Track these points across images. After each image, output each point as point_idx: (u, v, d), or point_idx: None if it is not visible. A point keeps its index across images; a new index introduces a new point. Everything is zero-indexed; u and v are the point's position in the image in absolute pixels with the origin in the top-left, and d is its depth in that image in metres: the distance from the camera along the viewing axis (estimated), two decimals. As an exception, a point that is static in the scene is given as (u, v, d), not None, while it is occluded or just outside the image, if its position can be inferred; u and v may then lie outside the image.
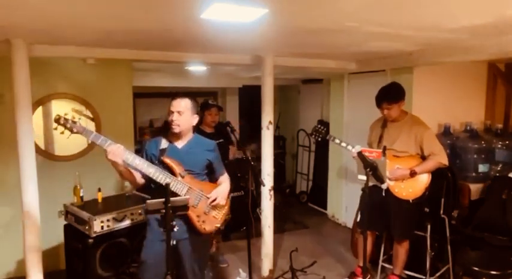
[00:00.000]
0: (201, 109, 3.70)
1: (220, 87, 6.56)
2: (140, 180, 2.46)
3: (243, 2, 1.81)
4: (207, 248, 2.76)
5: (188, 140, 2.52)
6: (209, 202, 2.49)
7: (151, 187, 2.47)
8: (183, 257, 2.46)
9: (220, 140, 3.68)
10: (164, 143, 2.48)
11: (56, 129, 2.26)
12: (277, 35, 2.74)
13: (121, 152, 2.25)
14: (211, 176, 2.67)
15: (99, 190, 3.51)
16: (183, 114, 2.41)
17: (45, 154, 3.69)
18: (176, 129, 2.42)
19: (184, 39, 2.89)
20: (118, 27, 2.41)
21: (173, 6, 1.90)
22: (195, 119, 2.49)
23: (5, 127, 3.27)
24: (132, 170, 2.40)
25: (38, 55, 2.96)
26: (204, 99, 3.81)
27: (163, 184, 2.10)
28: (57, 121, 2.25)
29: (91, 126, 3.88)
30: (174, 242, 2.34)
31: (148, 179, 2.42)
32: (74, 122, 2.26)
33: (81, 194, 3.44)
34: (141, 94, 5.11)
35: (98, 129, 3.91)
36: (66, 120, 2.25)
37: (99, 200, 3.50)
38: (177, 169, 2.40)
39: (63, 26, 2.38)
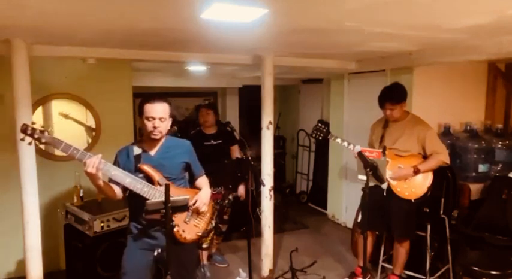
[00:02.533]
0: (196, 112, 3.70)
1: (220, 87, 6.56)
2: (120, 194, 2.28)
3: (243, 2, 1.81)
4: (192, 253, 2.59)
5: (160, 145, 2.35)
6: (191, 209, 2.37)
7: (130, 198, 2.33)
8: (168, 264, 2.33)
9: (219, 141, 3.67)
10: (137, 150, 2.31)
11: (23, 139, 2.03)
12: (277, 35, 2.74)
13: (99, 164, 2.06)
14: (190, 179, 2.54)
15: (99, 190, 3.51)
16: (165, 121, 2.26)
17: (45, 154, 3.69)
18: (158, 136, 2.26)
19: (184, 39, 2.89)
20: (118, 27, 2.41)
21: (173, 6, 1.90)
22: (169, 123, 2.34)
23: (5, 127, 3.27)
24: (112, 185, 2.24)
25: (38, 55, 2.95)
26: (204, 99, 3.80)
27: (164, 184, 2.05)
28: (24, 131, 2.02)
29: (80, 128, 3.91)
30: (159, 251, 2.27)
31: (129, 191, 2.27)
32: (42, 132, 2.04)
33: (81, 194, 3.44)
34: (141, 94, 5.11)
35: (98, 129, 3.92)
36: (33, 129, 2.02)
37: (99, 200, 3.50)
38: (156, 176, 2.24)
39: (63, 26, 2.37)
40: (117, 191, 2.26)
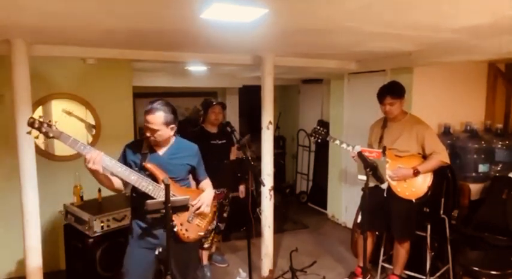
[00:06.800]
0: (205, 109, 3.67)
1: (220, 87, 6.56)
2: (119, 186, 2.33)
3: (243, 2, 1.81)
4: (193, 252, 2.64)
5: (169, 146, 2.40)
6: (193, 209, 2.40)
7: (133, 196, 2.38)
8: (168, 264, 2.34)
9: (223, 141, 3.67)
10: (145, 147, 2.35)
11: (29, 132, 2.06)
12: (277, 35, 2.74)
13: (101, 160, 2.09)
14: (194, 180, 2.58)
15: (99, 190, 3.51)
16: (158, 131, 2.26)
17: (45, 154, 3.69)
18: (153, 142, 2.32)
19: (184, 39, 2.89)
20: (118, 27, 2.41)
21: (173, 6, 1.90)
22: (173, 130, 2.35)
23: (5, 127, 3.26)
24: (110, 176, 2.26)
25: (38, 55, 2.96)
26: (204, 99, 3.78)
27: (164, 184, 2.06)
28: (31, 124, 2.03)
29: (82, 126, 3.91)
30: (161, 250, 2.31)
31: (133, 188, 2.33)
32: (50, 126, 2.05)
33: (81, 194, 3.44)
34: (141, 94, 5.12)
35: (98, 129, 3.92)
36: (41, 123, 2.03)
37: (99, 200, 3.50)
38: (161, 175, 2.25)
39: (63, 26, 2.37)
40: (117, 183, 2.31)
